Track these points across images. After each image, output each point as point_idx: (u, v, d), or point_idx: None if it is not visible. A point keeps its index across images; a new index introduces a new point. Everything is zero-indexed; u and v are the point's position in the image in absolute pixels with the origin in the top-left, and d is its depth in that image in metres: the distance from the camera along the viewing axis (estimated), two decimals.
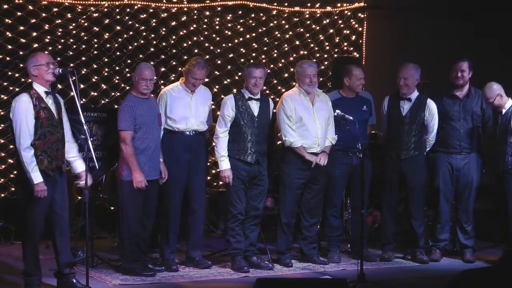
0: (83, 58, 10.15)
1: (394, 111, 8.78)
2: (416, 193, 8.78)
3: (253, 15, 11.12)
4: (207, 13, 10.86)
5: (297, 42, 11.32)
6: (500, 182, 8.60)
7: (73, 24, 10.10)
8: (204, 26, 10.84)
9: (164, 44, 10.58)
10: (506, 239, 8.67)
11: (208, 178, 10.13)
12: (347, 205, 9.40)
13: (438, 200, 8.88)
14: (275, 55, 11.21)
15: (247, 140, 8.13)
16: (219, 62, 10.90)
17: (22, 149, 6.87)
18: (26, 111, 6.90)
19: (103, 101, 10.25)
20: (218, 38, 10.91)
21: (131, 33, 10.39)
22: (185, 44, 10.66)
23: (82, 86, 9.84)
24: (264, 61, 10.98)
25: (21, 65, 9.75)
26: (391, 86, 8.97)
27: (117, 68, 10.33)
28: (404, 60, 8.81)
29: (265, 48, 11.17)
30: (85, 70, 10.12)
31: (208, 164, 10.13)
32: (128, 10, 10.38)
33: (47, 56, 7.27)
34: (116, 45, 10.31)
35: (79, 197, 9.45)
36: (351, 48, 11.61)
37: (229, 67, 10.96)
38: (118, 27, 10.32)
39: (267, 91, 10.90)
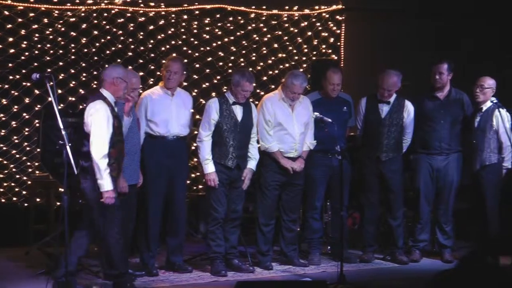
0: (61, 63, 10.10)
1: (373, 113, 8.80)
2: (395, 194, 8.81)
3: (231, 19, 11.11)
4: (185, 16, 10.83)
5: (276, 45, 11.31)
6: (475, 180, 8.67)
7: (50, 29, 10.06)
8: (182, 29, 10.81)
9: (142, 48, 10.54)
10: (482, 238, 8.71)
11: (188, 182, 10.09)
12: (327, 207, 9.41)
13: (418, 201, 8.91)
14: (253, 58, 11.20)
15: (229, 144, 8.11)
16: (197, 65, 10.87)
17: (100, 157, 6.91)
18: (108, 118, 6.97)
19: (81, 106, 10.20)
20: (196, 42, 10.89)
21: (108, 37, 10.35)
22: (163, 48, 10.63)
23: (59, 91, 9.79)
24: (242, 64, 10.97)
25: None
26: (370, 88, 8.98)
27: (95, 73, 10.25)
28: (386, 69, 8.78)
29: (244, 51, 11.15)
30: (62, 75, 10.07)
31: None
32: (105, 14, 10.34)
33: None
34: (93, 49, 10.26)
35: (58, 203, 9.42)
36: (330, 51, 11.61)
37: (207, 70, 10.94)
38: (96, 32, 10.28)
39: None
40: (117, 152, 7.09)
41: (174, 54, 10.24)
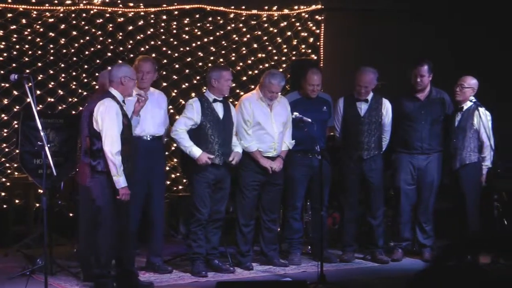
0: (39, 64, 10.04)
1: (352, 112, 8.81)
2: (375, 193, 8.83)
3: (210, 19, 11.09)
4: (164, 17, 10.80)
5: (255, 45, 11.31)
6: (455, 179, 8.71)
7: (28, 30, 10.01)
8: (161, 30, 10.78)
9: (121, 48, 10.50)
10: (459, 237, 8.74)
11: (168, 183, 10.08)
12: (307, 207, 9.42)
13: (399, 200, 8.92)
14: (233, 58, 11.19)
15: (214, 142, 8.09)
16: (177, 66, 10.84)
17: (114, 153, 7.00)
18: (117, 115, 7.06)
19: (60, 107, 10.16)
20: (175, 42, 10.87)
21: (87, 38, 10.30)
22: (142, 49, 10.59)
23: (38, 92, 9.74)
24: (222, 64, 10.95)
25: None
26: (349, 87, 8.99)
27: (74, 73, 10.23)
28: (362, 66, 8.81)
29: (223, 52, 11.14)
30: (41, 76, 10.02)
31: (168, 169, 10.10)
32: (84, 15, 10.30)
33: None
34: (72, 50, 10.21)
35: (37, 204, 9.39)
36: (309, 51, 11.62)
37: (187, 71, 10.91)
38: (74, 32, 10.23)
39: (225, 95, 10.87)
40: (128, 150, 7.16)
41: (154, 55, 10.20)
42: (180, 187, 10.62)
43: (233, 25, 11.23)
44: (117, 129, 7.04)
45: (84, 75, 10.27)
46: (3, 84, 9.85)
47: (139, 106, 7.55)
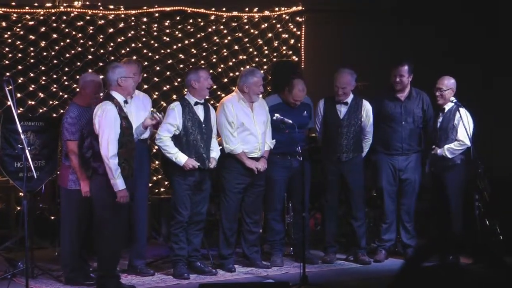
0: (20, 67, 9.99)
1: (331, 114, 8.83)
2: (356, 194, 8.84)
3: (191, 21, 11.08)
4: (145, 19, 10.78)
5: (236, 47, 11.32)
6: (436, 180, 8.74)
7: (8, 33, 9.96)
8: (142, 32, 10.76)
9: (102, 51, 10.47)
10: (439, 237, 8.75)
11: (150, 185, 10.05)
12: (288, 209, 9.42)
13: (383, 201, 8.93)
14: (214, 60, 11.18)
15: (197, 146, 8.08)
16: (158, 68, 10.82)
17: (109, 156, 7.04)
18: (115, 119, 7.10)
19: (41, 110, 10.12)
20: (156, 44, 10.85)
21: (68, 40, 10.26)
22: (123, 51, 10.56)
23: (19, 95, 9.69)
24: (203, 66, 10.94)
25: None
26: (330, 89, 9.00)
27: (54, 76, 10.18)
28: (340, 68, 8.83)
29: (204, 54, 11.13)
30: (21, 79, 9.97)
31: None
32: (64, 17, 10.26)
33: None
34: (53, 53, 10.16)
35: (18, 208, 9.35)
36: (290, 52, 11.64)
37: (168, 73, 10.90)
38: (55, 35, 10.19)
39: (206, 96, 10.86)
40: (126, 152, 7.19)
41: (134, 57, 10.18)
42: (162, 189, 10.60)
43: (214, 27, 11.22)
44: (113, 133, 7.08)
45: (64, 77, 10.22)
46: None
47: (150, 123, 7.77)
